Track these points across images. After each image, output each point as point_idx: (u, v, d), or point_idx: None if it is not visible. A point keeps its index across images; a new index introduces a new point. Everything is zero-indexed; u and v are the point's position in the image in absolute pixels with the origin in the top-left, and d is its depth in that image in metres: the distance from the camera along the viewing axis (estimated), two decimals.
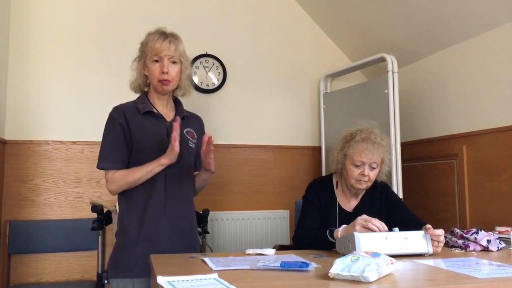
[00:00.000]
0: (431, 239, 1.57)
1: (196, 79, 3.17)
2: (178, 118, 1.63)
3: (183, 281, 1.12)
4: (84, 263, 2.86)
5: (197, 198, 1.91)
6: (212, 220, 3.07)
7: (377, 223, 1.59)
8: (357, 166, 1.89)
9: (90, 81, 2.97)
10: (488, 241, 1.71)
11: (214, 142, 1.93)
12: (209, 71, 3.22)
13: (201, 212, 2.37)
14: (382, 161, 1.93)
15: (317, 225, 1.93)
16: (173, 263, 1.45)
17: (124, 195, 1.73)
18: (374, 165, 1.90)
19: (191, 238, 1.81)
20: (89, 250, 2.83)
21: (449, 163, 2.78)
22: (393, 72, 2.77)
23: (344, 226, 1.68)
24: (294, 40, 3.47)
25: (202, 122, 1.95)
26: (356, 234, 1.49)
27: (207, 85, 3.22)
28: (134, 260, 1.65)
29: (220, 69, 3.25)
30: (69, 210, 2.88)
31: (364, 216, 1.63)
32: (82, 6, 3.00)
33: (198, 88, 3.16)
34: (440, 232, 1.57)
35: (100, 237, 2.73)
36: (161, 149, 1.67)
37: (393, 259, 1.26)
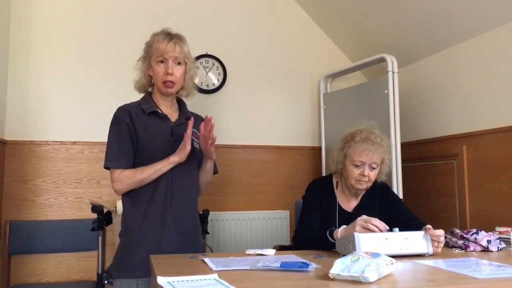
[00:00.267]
0: (431, 239, 1.57)
1: (196, 80, 3.17)
2: (192, 118, 1.65)
3: (183, 281, 1.12)
4: (84, 264, 2.86)
5: None
6: (212, 221, 3.07)
7: (377, 223, 1.59)
8: (357, 166, 1.89)
9: (90, 81, 2.97)
10: (488, 242, 1.71)
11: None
12: (209, 71, 3.22)
13: (201, 213, 2.37)
14: (382, 161, 1.93)
15: (317, 225, 1.93)
16: (173, 263, 1.45)
17: (129, 195, 1.72)
18: (374, 165, 1.90)
19: (195, 239, 1.81)
20: (89, 251, 2.83)
21: (449, 163, 2.78)
22: (393, 73, 2.77)
23: (344, 226, 1.68)
24: (294, 41, 3.47)
25: None
26: (356, 234, 1.49)
27: (207, 85, 3.22)
28: (138, 260, 1.65)
29: (220, 70, 3.25)
30: (69, 210, 2.88)
31: (364, 217, 1.63)
32: (82, 6, 3.00)
33: (198, 89, 3.16)
34: (440, 232, 1.57)
35: (100, 237, 2.73)
36: (166, 149, 1.68)
37: (393, 260, 1.26)
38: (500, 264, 1.42)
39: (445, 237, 1.66)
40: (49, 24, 2.93)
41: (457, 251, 1.72)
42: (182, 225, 1.74)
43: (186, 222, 1.76)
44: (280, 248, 2.25)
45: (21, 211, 2.80)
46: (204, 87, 3.20)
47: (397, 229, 1.57)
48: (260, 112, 3.35)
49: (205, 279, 1.14)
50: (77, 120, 2.93)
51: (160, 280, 1.13)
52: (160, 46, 1.69)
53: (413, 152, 3.07)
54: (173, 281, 1.12)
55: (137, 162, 1.70)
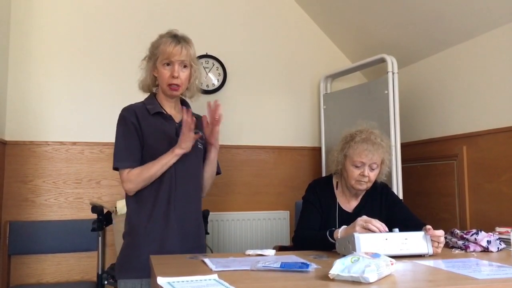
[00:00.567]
0: (431, 239, 1.57)
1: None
2: (190, 110, 1.65)
3: (183, 281, 1.12)
4: (84, 264, 2.86)
5: None
6: (212, 221, 3.07)
7: (377, 223, 1.58)
8: (357, 166, 1.89)
9: (90, 82, 2.98)
10: (488, 242, 1.71)
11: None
12: (209, 71, 3.22)
13: None
14: (382, 161, 1.93)
15: (317, 225, 1.93)
16: (173, 263, 1.45)
17: (134, 196, 1.72)
18: (374, 166, 1.90)
19: (198, 239, 1.82)
20: (89, 251, 2.84)
21: (449, 163, 2.78)
22: (393, 73, 2.77)
23: (344, 226, 1.68)
24: (294, 41, 3.47)
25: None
26: (356, 235, 1.49)
27: (207, 85, 3.22)
28: (142, 260, 1.64)
29: (220, 70, 3.25)
30: (69, 210, 2.88)
31: (364, 217, 1.63)
32: (83, 7, 3.00)
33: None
34: (440, 233, 1.57)
35: (100, 237, 2.74)
36: (169, 150, 1.68)
37: (393, 260, 1.26)
38: (500, 265, 1.42)
39: (445, 238, 1.66)
40: (49, 24, 2.93)
41: (457, 251, 1.72)
42: (186, 226, 1.74)
43: (189, 222, 1.76)
44: (280, 249, 2.25)
45: (21, 212, 2.80)
46: (204, 87, 3.20)
47: (397, 229, 1.57)
48: (260, 112, 3.35)
49: (205, 280, 1.14)
50: (77, 120, 2.93)
51: (160, 280, 1.13)
52: (167, 49, 1.69)
53: (413, 152, 3.07)
54: (173, 282, 1.12)
55: (143, 162, 1.71)
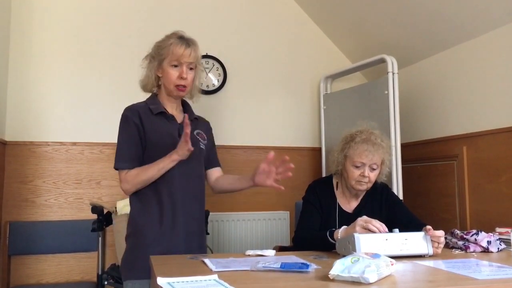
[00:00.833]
0: (431, 240, 1.57)
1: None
2: (186, 115, 1.64)
3: (183, 282, 1.12)
4: (84, 264, 2.86)
5: None
6: (212, 221, 3.06)
7: (377, 224, 1.58)
8: (357, 167, 1.89)
9: (90, 82, 2.98)
10: (488, 242, 1.71)
11: (215, 143, 1.96)
12: (209, 72, 3.22)
13: None
14: (382, 162, 1.93)
15: (317, 226, 1.93)
16: (173, 264, 1.45)
17: (138, 196, 1.73)
18: (375, 166, 1.90)
19: (201, 239, 1.83)
20: (89, 251, 2.83)
21: (449, 164, 2.78)
22: (393, 73, 2.77)
23: (344, 227, 1.68)
24: (294, 41, 3.47)
25: (210, 126, 1.97)
26: (356, 235, 1.49)
27: (207, 86, 3.22)
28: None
29: (220, 70, 3.25)
30: (69, 211, 2.88)
31: (364, 217, 1.63)
32: (83, 7, 3.00)
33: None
34: (440, 233, 1.57)
35: (100, 238, 2.74)
36: (172, 150, 1.68)
37: (393, 260, 1.26)
38: (500, 265, 1.42)
39: (445, 238, 1.66)
40: (50, 25, 2.93)
41: (457, 252, 1.72)
42: (191, 225, 1.75)
43: (194, 222, 1.77)
44: (280, 249, 2.25)
45: (21, 212, 2.80)
46: (204, 87, 3.20)
47: (397, 230, 1.57)
48: (260, 112, 3.35)
49: (205, 280, 1.14)
50: (77, 120, 2.93)
51: (160, 281, 1.13)
52: (178, 50, 1.70)
53: (413, 153, 3.07)
54: (173, 282, 1.12)
55: (145, 162, 1.71)
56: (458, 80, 2.74)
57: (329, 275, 1.17)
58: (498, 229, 1.90)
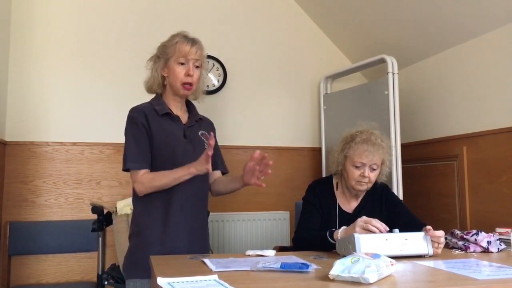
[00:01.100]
0: (431, 240, 1.57)
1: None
2: (212, 135, 1.64)
3: (183, 282, 1.12)
4: (84, 264, 2.86)
5: None
6: (212, 221, 3.06)
7: (377, 224, 1.58)
8: (357, 167, 1.89)
9: (90, 82, 2.98)
10: (488, 243, 1.71)
11: (218, 146, 1.96)
12: (209, 72, 3.22)
13: None
14: (383, 162, 1.93)
15: (317, 226, 1.93)
16: (173, 264, 1.45)
17: (142, 196, 1.72)
18: (375, 167, 1.90)
19: (204, 239, 1.83)
20: (89, 251, 2.84)
21: (449, 164, 2.78)
22: (393, 74, 2.77)
23: (344, 227, 1.68)
24: (294, 42, 3.47)
25: (213, 127, 1.98)
26: (356, 235, 1.49)
27: (207, 86, 3.22)
28: None
29: (221, 70, 3.25)
30: (70, 211, 2.88)
31: (364, 218, 1.63)
32: (83, 7, 3.00)
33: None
34: (440, 233, 1.57)
35: (100, 238, 2.74)
36: (180, 151, 1.70)
37: (393, 261, 1.26)
38: (500, 265, 1.42)
39: (445, 238, 1.66)
40: (50, 25, 2.94)
41: (457, 252, 1.72)
42: (195, 225, 1.76)
43: (198, 222, 1.78)
44: (280, 249, 2.25)
45: (21, 212, 2.80)
46: (204, 87, 3.19)
47: (397, 230, 1.57)
48: (260, 113, 3.35)
49: (205, 280, 1.14)
50: (77, 121, 2.93)
51: (160, 281, 1.13)
52: (185, 48, 1.71)
53: (413, 153, 3.07)
54: (173, 282, 1.12)
55: (151, 163, 1.71)
56: (458, 80, 2.74)
57: (329, 275, 1.17)
58: (498, 229, 1.90)
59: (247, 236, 3.17)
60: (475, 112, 2.61)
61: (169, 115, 1.76)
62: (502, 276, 1.25)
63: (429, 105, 2.98)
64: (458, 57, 2.74)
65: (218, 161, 1.92)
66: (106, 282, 2.59)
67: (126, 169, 1.71)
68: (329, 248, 1.67)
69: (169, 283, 1.11)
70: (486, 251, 1.70)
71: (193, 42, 1.74)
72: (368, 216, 1.66)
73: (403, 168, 2.76)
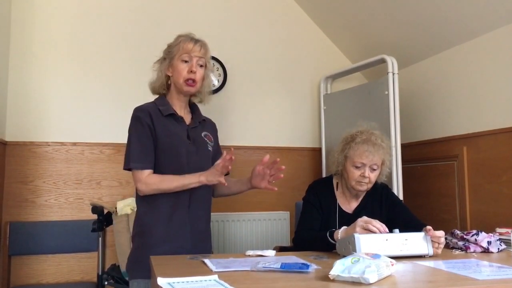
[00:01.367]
0: (432, 240, 1.57)
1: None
2: (232, 150, 1.63)
3: (183, 282, 1.12)
4: (84, 265, 2.86)
5: None
6: (212, 221, 3.03)
7: (377, 224, 1.58)
8: (357, 167, 1.89)
9: (90, 82, 2.98)
10: (489, 243, 1.71)
11: (220, 147, 1.96)
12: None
13: None
14: (383, 162, 1.93)
15: (317, 226, 1.93)
16: (173, 264, 1.45)
17: (146, 197, 1.72)
18: (375, 167, 1.90)
19: (208, 240, 1.83)
20: (89, 252, 2.84)
21: (449, 164, 2.78)
22: (393, 74, 2.77)
23: (344, 227, 1.68)
24: (294, 42, 3.47)
25: (216, 128, 1.98)
26: (356, 235, 1.49)
27: None
28: None
29: (221, 71, 3.25)
30: (70, 211, 2.88)
31: (364, 218, 1.63)
32: (83, 8, 3.00)
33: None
34: (441, 233, 1.57)
35: (100, 238, 2.74)
36: (183, 151, 1.70)
37: (393, 261, 1.26)
38: (501, 265, 1.42)
39: (445, 238, 1.66)
40: (50, 25, 2.94)
41: (457, 252, 1.72)
42: (199, 226, 1.76)
43: (201, 222, 1.78)
44: (281, 249, 2.25)
45: (21, 212, 2.80)
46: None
47: (397, 230, 1.57)
48: (261, 113, 3.35)
49: (205, 280, 1.14)
50: (77, 121, 2.93)
51: (160, 281, 1.13)
52: (188, 45, 1.73)
53: (413, 153, 3.07)
54: (173, 282, 1.12)
55: (155, 163, 1.71)
56: (458, 80, 2.74)
57: (329, 276, 1.17)
58: (498, 230, 1.90)
59: (247, 236, 3.17)
60: (475, 112, 2.61)
61: (173, 115, 1.76)
62: (502, 276, 1.25)
63: (429, 105, 2.98)
64: (458, 57, 2.74)
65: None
66: (106, 282, 2.59)
67: (127, 168, 1.71)
68: (329, 248, 1.67)
69: (169, 283, 1.11)
70: (486, 251, 1.70)
71: (197, 40, 1.76)
72: (368, 216, 1.66)
73: (403, 168, 2.76)
